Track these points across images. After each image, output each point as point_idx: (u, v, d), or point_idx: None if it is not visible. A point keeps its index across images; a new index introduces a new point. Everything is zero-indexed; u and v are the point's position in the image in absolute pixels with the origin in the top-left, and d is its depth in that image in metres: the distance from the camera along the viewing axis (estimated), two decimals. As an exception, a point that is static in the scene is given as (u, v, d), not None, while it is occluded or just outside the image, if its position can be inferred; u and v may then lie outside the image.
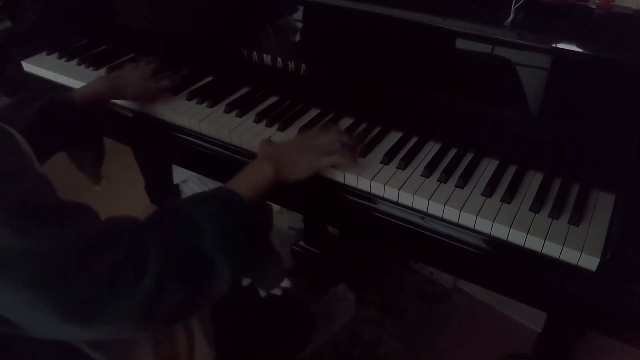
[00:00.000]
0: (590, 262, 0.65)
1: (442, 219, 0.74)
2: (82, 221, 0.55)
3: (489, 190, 0.75)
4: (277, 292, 1.41)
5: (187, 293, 0.58)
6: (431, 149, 0.85)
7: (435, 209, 0.74)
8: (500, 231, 0.70)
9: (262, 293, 1.08)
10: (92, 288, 0.51)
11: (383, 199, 0.78)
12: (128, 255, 0.54)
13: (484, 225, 0.71)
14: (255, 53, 0.97)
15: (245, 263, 0.65)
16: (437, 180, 0.78)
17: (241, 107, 0.96)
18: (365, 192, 0.79)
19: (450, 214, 0.73)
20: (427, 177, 0.78)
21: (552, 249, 0.67)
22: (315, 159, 0.77)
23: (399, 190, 0.76)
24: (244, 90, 1.03)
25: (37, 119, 0.80)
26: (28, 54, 1.19)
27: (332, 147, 0.78)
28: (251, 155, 0.88)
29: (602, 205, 0.73)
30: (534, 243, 0.68)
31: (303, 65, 0.92)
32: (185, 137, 0.96)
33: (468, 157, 0.83)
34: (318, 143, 0.78)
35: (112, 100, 0.99)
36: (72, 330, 0.52)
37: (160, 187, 1.72)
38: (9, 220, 0.48)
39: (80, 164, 0.96)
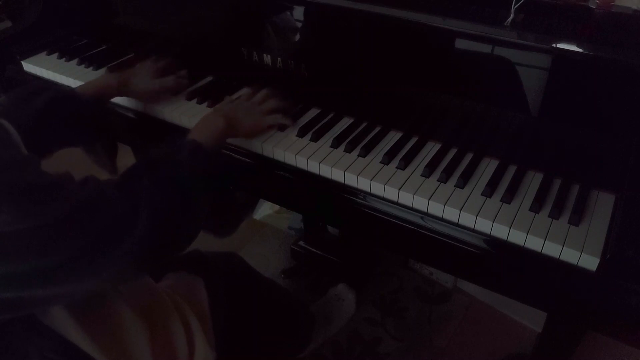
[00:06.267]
0: (590, 262, 0.65)
1: (442, 219, 0.74)
2: (68, 189, 0.58)
3: (489, 190, 0.75)
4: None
5: (168, 220, 0.65)
6: (431, 149, 0.85)
7: (435, 209, 0.74)
8: (500, 231, 0.70)
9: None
10: (92, 242, 0.57)
11: (383, 199, 0.78)
12: (118, 207, 0.60)
13: (484, 225, 0.71)
14: (255, 53, 0.97)
15: (210, 200, 0.75)
16: (437, 180, 0.78)
17: (241, 107, 0.96)
18: (365, 192, 0.79)
19: (450, 214, 0.73)
20: (427, 177, 0.78)
21: (552, 249, 0.67)
22: (258, 117, 0.88)
23: (399, 190, 0.76)
24: (244, 90, 1.03)
25: (42, 112, 0.81)
26: (28, 54, 1.19)
27: (272, 109, 0.90)
28: (251, 155, 0.88)
29: (602, 205, 0.73)
30: (534, 243, 0.68)
31: (303, 65, 0.92)
32: (185, 137, 0.96)
33: (468, 157, 0.83)
34: (261, 105, 0.90)
35: (114, 99, 1.00)
36: (80, 282, 0.58)
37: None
38: None
39: (95, 157, 0.97)
